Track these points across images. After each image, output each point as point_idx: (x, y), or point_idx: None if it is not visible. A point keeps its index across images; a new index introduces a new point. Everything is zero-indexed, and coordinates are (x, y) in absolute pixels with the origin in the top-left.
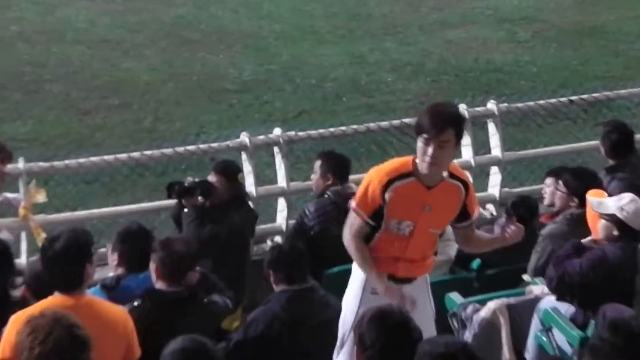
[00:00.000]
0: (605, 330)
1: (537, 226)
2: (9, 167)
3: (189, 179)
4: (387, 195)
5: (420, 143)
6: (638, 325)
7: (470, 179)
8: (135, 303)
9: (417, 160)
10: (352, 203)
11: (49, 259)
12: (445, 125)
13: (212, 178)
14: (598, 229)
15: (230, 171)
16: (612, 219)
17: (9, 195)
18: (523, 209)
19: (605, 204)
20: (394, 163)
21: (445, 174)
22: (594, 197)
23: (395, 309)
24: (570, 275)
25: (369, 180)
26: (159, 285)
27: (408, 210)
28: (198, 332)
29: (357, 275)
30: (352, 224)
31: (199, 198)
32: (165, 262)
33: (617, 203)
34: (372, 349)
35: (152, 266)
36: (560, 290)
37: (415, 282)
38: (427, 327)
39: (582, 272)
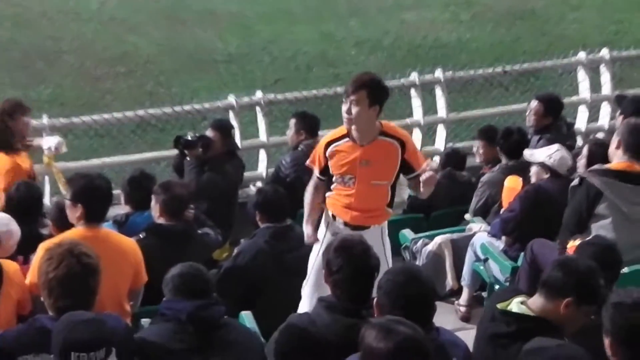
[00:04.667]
0: (556, 269)
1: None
2: (35, 122)
3: (190, 134)
4: (328, 154)
5: (343, 102)
6: (584, 264)
7: (410, 137)
8: (141, 235)
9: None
10: (308, 161)
11: (93, 194)
12: (357, 86)
13: (209, 133)
14: (530, 175)
15: (225, 127)
16: (542, 165)
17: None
18: (455, 158)
19: (536, 154)
20: (335, 130)
21: (377, 131)
22: (527, 150)
23: (356, 240)
24: (511, 216)
25: (317, 145)
26: (160, 220)
27: (346, 165)
28: (194, 260)
29: (324, 219)
30: (311, 180)
31: (200, 150)
32: (167, 202)
33: (546, 152)
34: (338, 274)
35: (155, 206)
36: (507, 232)
37: (368, 230)
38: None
39: (521, 206)
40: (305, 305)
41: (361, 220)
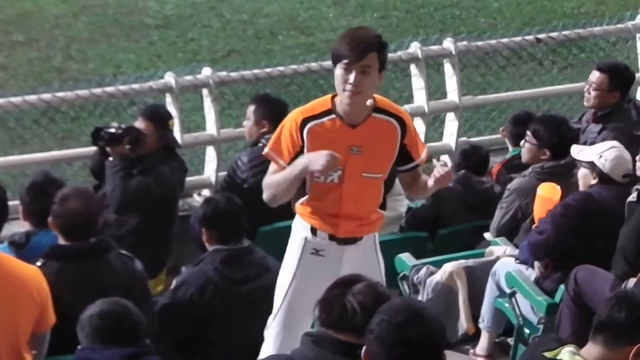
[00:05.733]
0: (617, 308)
1: (496, 180)
2: None
3: (114, 125)
4: (305, 136)
5: (339, 71)
6: None
7: (408, 116)
8: (38, 263)
9: (338, 92)
10: (266, 149)
11: None
12: (367, 48)
13: (140, 124)
14: (578, 178)
15: (160, 116)
16: (590, 166)
17: None
18: (474, 158)
19: (585, 151)
20: (311, 102)
21: (370, 107)
22: (575, 145)
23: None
24: (540, 240)
25: (283, 122)
26: (62, 240)
27: None
28: (117, 290)
29: (296, 236)
30: (270, 173)
31: (127, 147)
32: (58, 221)
33: (597, 149)
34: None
35: (51, 223)
36: (548, 255)
37: (361, 242)
38: None
39: (555, 226)
40: (269, 350)
41: (352, 231)
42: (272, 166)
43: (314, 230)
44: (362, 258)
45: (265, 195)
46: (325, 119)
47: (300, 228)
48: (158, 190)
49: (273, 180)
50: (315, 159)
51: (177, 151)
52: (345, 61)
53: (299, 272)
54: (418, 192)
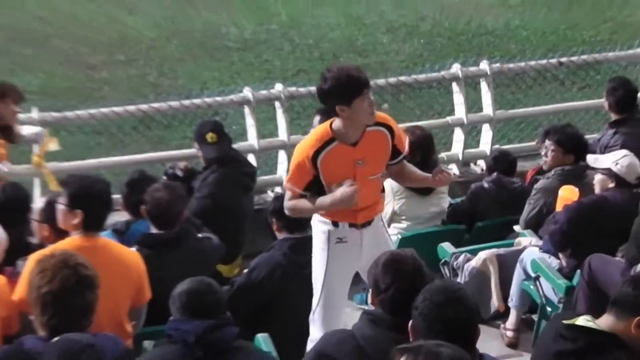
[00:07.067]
0: (627, 286)
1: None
2: (24, 116)
3: (180, 165)
4: (319, 166)
5: (360, 101)
6: None
7: (393, 120)
8: (133, 249)
9: (364, 119)
10: (285, 181)
11: (94, 198)
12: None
13: (195, 146)
14: (594, 183)
15: (197, 134)
16: (607, 172)
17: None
18: (504, 162)
19: (601, 160)
20: (314, 135)
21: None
22: (590, 155)
23: (408, 254)
24: (555, 229)
25: (296, 158)
26: (153, 229)
27: (342, 171)
28: (194, 270)
29: (319, 231)
30: (288, 197)
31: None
32: (148, 210)
33: (612, 158)
34: (385, 293)
35: (142, 208)
36: (562, 241)
37: (374, 222)
38: None
39: (567, 216)
40: (319, 330)
41: (368, 216)
42: (289, 193)
43: (335, 223)
44: (377, 237)
45: (287, 212)
46: (330, 147)
47: (321, 224)
48: (215, 204)
49: (299, 207)
50: (344, 199)
51: (253, 155)
52: (366, 89)
53: (330, 260)
54: (405, 179)
